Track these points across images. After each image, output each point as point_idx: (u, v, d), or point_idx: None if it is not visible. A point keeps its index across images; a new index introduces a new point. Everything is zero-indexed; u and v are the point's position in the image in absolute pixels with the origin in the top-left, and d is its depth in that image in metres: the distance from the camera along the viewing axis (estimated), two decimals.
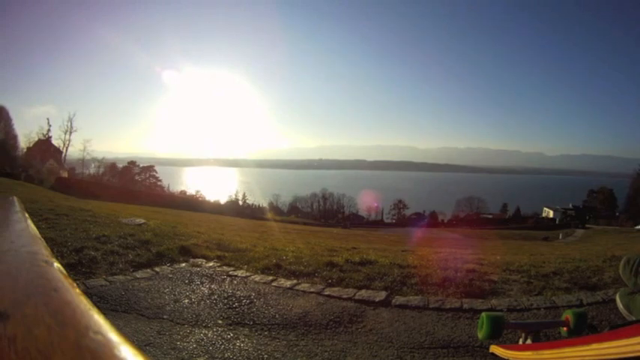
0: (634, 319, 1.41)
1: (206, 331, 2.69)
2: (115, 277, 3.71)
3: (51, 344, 0.31)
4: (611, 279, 3.61)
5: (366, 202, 63.71)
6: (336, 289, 3.57)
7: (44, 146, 43.60)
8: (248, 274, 4.01)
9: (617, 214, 51.82)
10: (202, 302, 3.22)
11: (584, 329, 1.68)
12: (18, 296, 0.41)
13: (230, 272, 4.03)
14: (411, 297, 3.34)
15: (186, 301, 3.24)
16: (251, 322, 2.87)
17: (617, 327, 1.08)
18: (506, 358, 1.80)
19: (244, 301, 3.25)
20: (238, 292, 3.43)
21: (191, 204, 33.01)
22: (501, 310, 3.00)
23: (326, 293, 3.46)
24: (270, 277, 3.90)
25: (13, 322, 0.33)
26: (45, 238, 0.73)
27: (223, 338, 2.60)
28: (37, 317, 0.35)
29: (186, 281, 3.70)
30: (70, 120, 46.32)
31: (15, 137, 40.41)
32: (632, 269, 1.58)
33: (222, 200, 55.78)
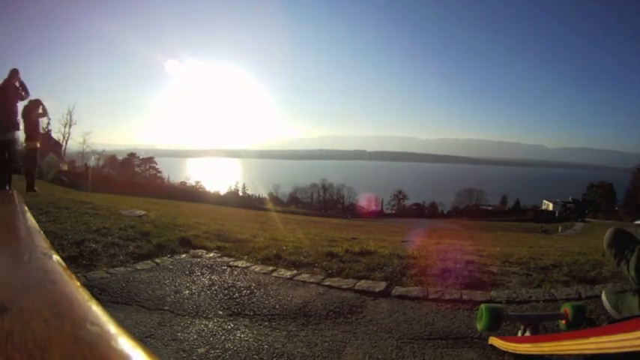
0: (622, 317, 1.41)
1: (207, 322, 2.71)
2: (116, 269, 3.72)
3: (48, 336, 0.30)
4: (610, 273, 3.62)
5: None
6: (335, 279, 3.59)
7: (44, 139, 43.39)
8: (248, 264, 4.02)
9: (617, 208, 51.95)
10: (203, 293, 3.24)
11: (583, 322, 1.69)
12: (16, 289, 0.41)
13: (230, 263, 4.04)
14: (410, 288, 3.35)
15: (187, 292, 3.25)
16: (251, 313, 2.88)
17: (616, 321, 1.08)
18: (505, 349, 1.81)
19: (244, 291, 3.27)
20: (238, 283, 3.45)
21: (191, 195, 33.04)
22: (500, 302, 3.01)
23: (326, 283, 3.47)
24: (271, 268, 3.91)
25: (11, 315, 0.33)
26: (46, 232, 0.73)
27: (224, 329, 2.62)
28: (35, 310, 0.35)
29: (187, 272, 3.71)
30: (70, 113, 46.29)
31: None
32: (619, 247, 1.53)
33: (223, 191, 55.92)
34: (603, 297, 1.60)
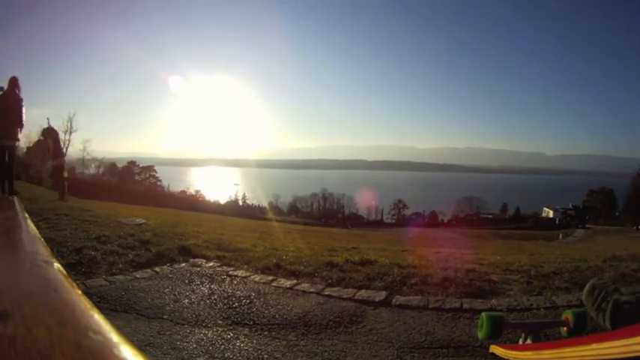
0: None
1: (206, 331, 2.69)
2: (115, 277, 3.71)
3: (51, 344, 0.31)
4: (611, 279, 3.61)
5: (365, 200, 63.95)
6: (336, 289, 3.57)
7: (44, 146, 43.46)
8: (248, 274, 4.01)
9: (617, 214, 51.81)
10: (202, 302, 3.22)
11: (585, 329, 1.68)
12: (18, 296, 0.41)
13: (230, 272, 4.03)
14: (411, 297, 3.34)
15: (186, 301, 3.24)
16: (251, 322, 2.87)
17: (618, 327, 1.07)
18: (506, 358, 1.80)
19: (244, 301, 3.25)
20: (238, 292, 3.43)
21: (191, 204, 33.00)
22: (501, 310, 2.99)
23: (326, 293, 3.46)
24: (270, 277, 3.90)
25: (13, 323, 0.33)
26: (45, 238, 0.73)
27: (223, 338, 2.60)
28: (37, 317, 0.35)
29: (186, 281, 3.70)
30: (70, 120, 46.24)
31: None
32: (595, 300, 1.47)
33: (223, 200, 55.87)
34: (583, 297, 1.54)
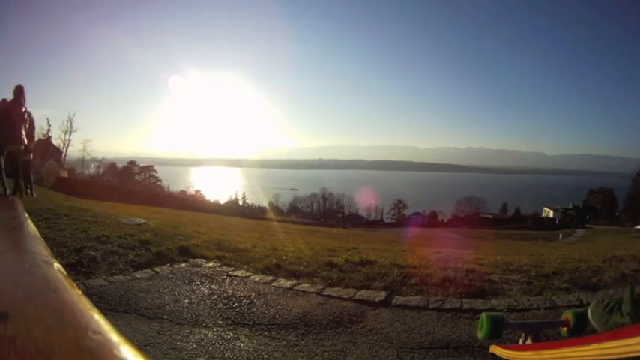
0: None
1: (206, 331, 2.69)
2: (115, 277, 3.71)
3: (51, 344, 0.31)
4: (611, 279, 3.61)
5: (365, 200, 64.06)
6: (336, 289, 3.57)
7: (44, 146, 43.26)
8: (248, 274, 4.01)
9: (617, 214, 51.80)
10: (202, 302, 3.22)
11: (585, 329, 1.68)
12: (18, 296, 0.41)
13: (230, 272, 4.03)
14: (410, 297, 3.34)
15: (186, 301, 3.24)
16: (251, 322, 2.87)
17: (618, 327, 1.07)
18: (506, 358, 1.80)
19: (244, 301, 3.25)
20: (238, 292, 3.43)
21: (191, 204, 33.00)
22: (501, 310, 2.99)
23: (326, 293, 3.46)
24: (270, 277, 3.89)
25: (13, 323, 0.33)
26: (45, 238, 0.73)
27: (223, 338, 2.60)
28: (37, 317, 0.35)
29: (186, 281, 3.70)
30: (70, 120, 46.24)
31: None
32: (604, 310, 1.43)
33: (223, 200, 55.92)
34: (589, 314, 1.51)
